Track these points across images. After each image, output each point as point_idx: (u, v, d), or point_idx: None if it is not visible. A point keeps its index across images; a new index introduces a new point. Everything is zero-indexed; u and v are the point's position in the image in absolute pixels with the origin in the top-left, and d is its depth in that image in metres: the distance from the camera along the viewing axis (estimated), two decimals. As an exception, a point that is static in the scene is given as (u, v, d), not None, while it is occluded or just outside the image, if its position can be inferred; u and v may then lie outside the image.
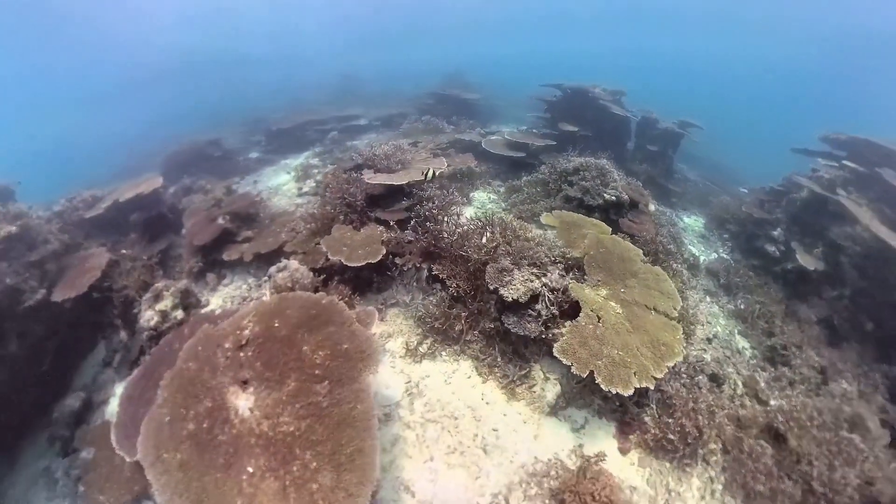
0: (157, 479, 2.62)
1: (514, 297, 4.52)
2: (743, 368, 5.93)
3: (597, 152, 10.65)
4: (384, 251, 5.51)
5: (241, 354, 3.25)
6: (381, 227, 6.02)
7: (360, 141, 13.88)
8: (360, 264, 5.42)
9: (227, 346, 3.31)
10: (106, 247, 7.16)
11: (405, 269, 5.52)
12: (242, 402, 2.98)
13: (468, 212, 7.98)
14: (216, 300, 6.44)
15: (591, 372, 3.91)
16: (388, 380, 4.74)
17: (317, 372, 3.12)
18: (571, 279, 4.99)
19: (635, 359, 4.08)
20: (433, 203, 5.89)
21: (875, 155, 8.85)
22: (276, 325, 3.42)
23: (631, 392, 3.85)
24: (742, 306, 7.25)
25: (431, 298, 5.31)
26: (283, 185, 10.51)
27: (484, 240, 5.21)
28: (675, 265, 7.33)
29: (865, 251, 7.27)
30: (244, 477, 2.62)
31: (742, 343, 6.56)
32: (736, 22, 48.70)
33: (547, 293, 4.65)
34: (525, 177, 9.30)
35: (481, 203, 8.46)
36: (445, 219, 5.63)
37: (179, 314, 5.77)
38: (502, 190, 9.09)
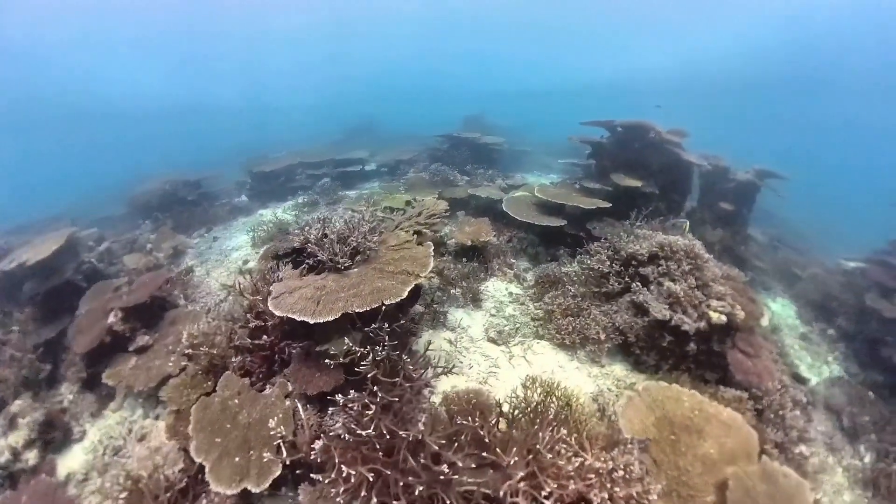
0: None
1: None
2: None
3: (667, 217, 7.76)
4: (278, 471, 2.61)
5: None
6: (295, 394, 3.15)
7: (356, 191, 11.33)
8: (228, 491, 2.56)
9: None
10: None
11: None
12: None
13: (476, 321, 5.06)
14: (93, 434, 4.74)
15: None
16: None
17: None
18: None
19: None
20: (402, 378, 2.86)
21: None
22: None
23: None
24: (868, 462, 4.91)
25: None
26: (237, 249, 7.96)
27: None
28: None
29: None
30: None
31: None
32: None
33: None
34: (566, 260, 6.37)
35: (497, 303, 5.46)
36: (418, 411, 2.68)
37: (33, 458, 4.47)
38: (530, 277, 6.12)
